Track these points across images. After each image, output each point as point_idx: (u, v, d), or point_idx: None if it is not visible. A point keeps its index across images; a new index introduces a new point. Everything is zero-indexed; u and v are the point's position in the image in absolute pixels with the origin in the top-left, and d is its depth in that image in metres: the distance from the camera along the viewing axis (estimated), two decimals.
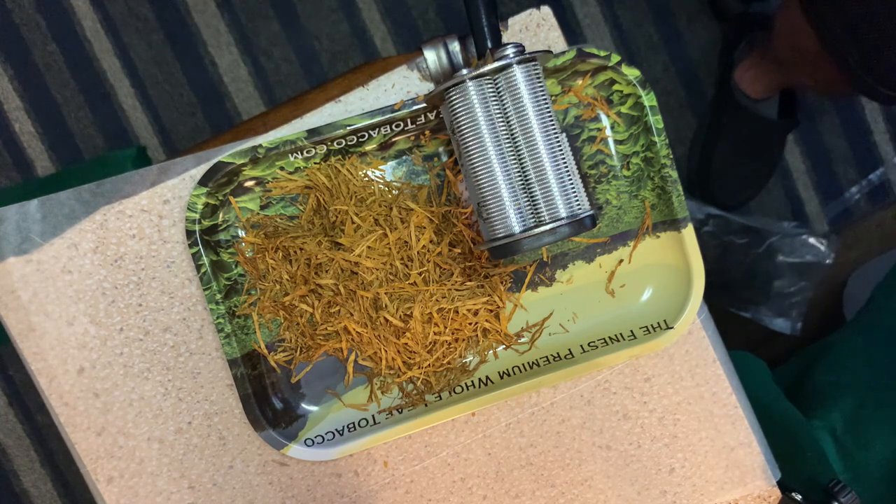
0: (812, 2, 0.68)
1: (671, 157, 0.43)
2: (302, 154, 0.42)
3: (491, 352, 0.46)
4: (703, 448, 0.47)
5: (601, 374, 0.46)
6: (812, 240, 1.05)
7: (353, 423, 0.44)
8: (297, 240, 0.43)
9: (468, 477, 0.47)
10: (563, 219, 0.36)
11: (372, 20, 1.08)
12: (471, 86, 0.36)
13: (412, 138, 0.44)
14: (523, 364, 0.45)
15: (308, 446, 0.43)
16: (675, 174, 0.43)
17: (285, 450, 0.43)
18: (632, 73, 0.42)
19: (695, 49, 1.10)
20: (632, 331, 0.45)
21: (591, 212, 0.37)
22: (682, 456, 0.47)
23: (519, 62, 0.36)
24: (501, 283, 0.45)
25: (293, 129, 0.43)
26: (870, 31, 0.62)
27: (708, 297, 0.45)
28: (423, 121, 0.42)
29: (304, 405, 0.45)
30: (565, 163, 0.37)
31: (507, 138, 0.37)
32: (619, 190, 0.45)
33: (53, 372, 0.43)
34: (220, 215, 0.43)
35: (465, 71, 0.36)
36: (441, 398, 0.45)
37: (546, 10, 0.44)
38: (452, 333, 0.44)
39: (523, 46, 0.37)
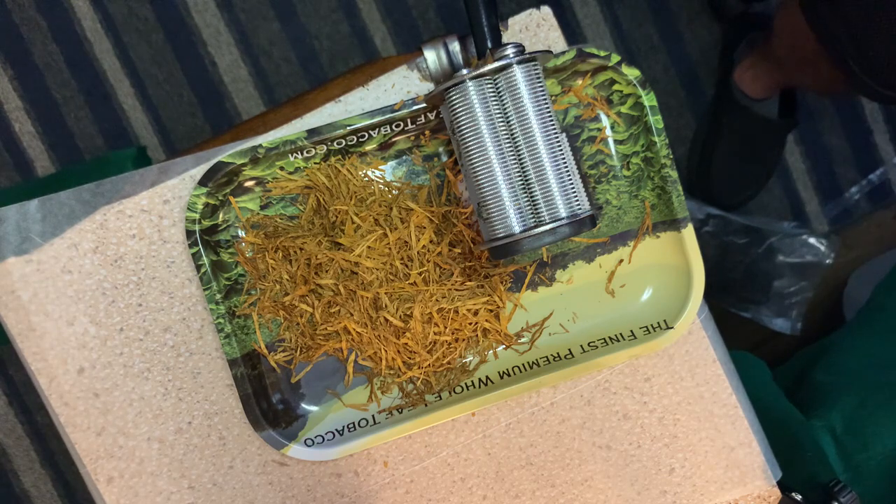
0: (811, 2, 0.68)
1: (671, 157, 0.43)
2: (302, 154, 0.42)
3: (491, 352, 0.46)
4: (703, 448, 0.47)
5: (601, 374, 0.46)
6: (812, 240, 1.05)
7: (353, 423, 0.44)
8: (297, 240, 0.43)
9: (468, 477, 0.47)
10: (563, 219, 0.36)
11: (372, 20, 1.08)
12: (471, 86, 0.36)
13: (412, 138, 0.44)
14: (523, 364, 0.45)
15: (308, 446, 0.43)
16: (675, 174, 0.43)
17: (285, 450, 0.43)
18: (632, 73, 0.42)
19: (695, 49, 1.10)
20: (632, 331, 0.45)
21: (591, 212, 0.37)
22: (682, 456, 0.47)
23: (519, 62, 0.36)
24: (501, 283, 0.45)
25: (293, 129, 0.43)
26: (868, 32, 0.62)
27: (708, 297, 0.45)
28: (423, 121, 0.42)
29: (304, 405, 0.45)
30: (565, 163, 0.37)
31: (507, 138, 0.37)
32: (619, 190, 0.45)
33: (53, 372, 0.43)
34: (220, 215, 0.43)
35: (465, 71, 0.36)
36: (441, 398, 0.45)
37: (546, 10, 0.44)
38: (452, 333, 0.44)
39: (523, 46, 0.37)
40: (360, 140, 0.43)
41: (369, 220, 0.43)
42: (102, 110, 1.07)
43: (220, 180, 0.42)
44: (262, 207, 0.44)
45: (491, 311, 0.45)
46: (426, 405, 0.44)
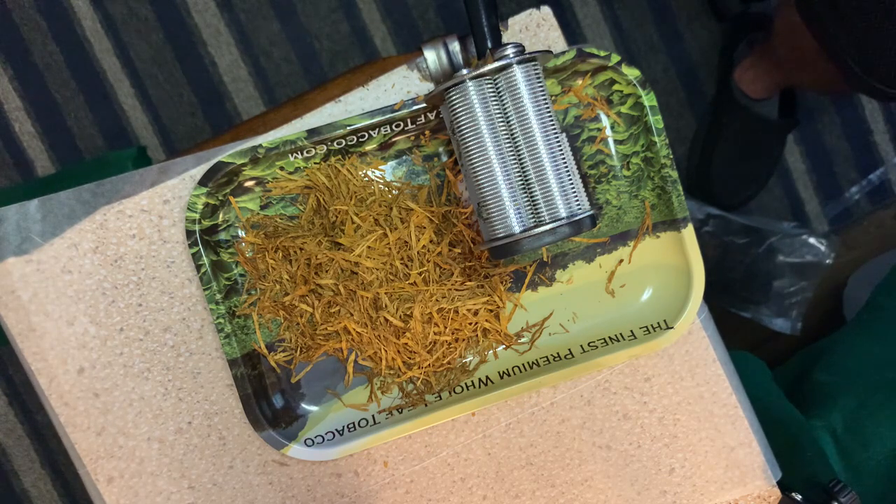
0: (807, 2, 0.68)
1: (671, 157, 0.43)
2: (302, 154, 0.42)
3: (491, 352, 0.46)
4: (703, 448, 0.47)
5: (601, 374, 0.46)
6: (812, 240, 1.05)
7: (353, 423, 0.44)
8: (297, 240, 0.43)
9: (468, 477, 0.47)
10: (563, 219, 0.36)
11: (372, 20, 1.08)
12: (471, 86, 0.36)
13: (412, 138, 0.44)
14: (523, 364, 0.45)
15: (308, 446, 0.43)
16: (675, 174, 0.43)
17: (285, 450, 0.43)
18: (632, 72, 0.42)
19: (695, 49, 1.10)
20: (632, 331, 0.45)
21: (591, 212, 0.37)
22: (682, 456, 0.47)
23: (519, 62, 0.36)
24: (501, 283, 0.45)
25: (293, 129, 0.43)
26: (866, 30, 0.62)
27: (708, 297, 0.45)
28: (423, 121, 0.42)
29: (304, 405, 0.45)
30: (565, 163, 0.37)
31: (507, 138, 0.37)
32: (619, 190, 0.45)
33: (53, 372, 0.43)
34: (220, 215, 0.43)
35: (465, 71, 0.36)
36: (441, 398, 0.45)
37: (546, 10, 0.44)
38: (452, 333, 0.44)
39: (523, 46, 0.37)
40: (360, 140, 0.43)
41: (369, 220, 0.43)
42: (102, 110, 1.07)
43: (220, 180, 0.42)
44: (262, 207, 0.44)
45: (491, 311, 0.45)
46: (426, 405, 0.44)
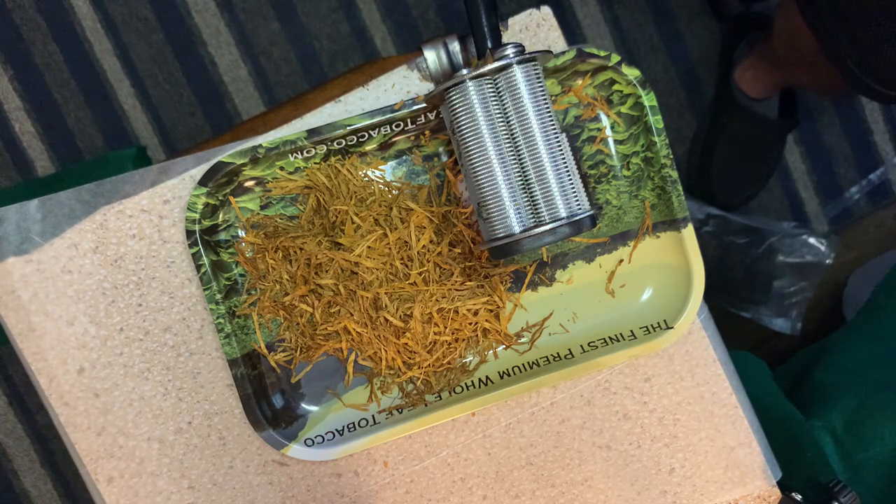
0: (809, 2, 0.68)
1: (671, 157, 0.43)
2: (302, 154, 0.42)
3: (491, 352, 0.46)
4: (703, 448, 0.47)
5: (601, 374, 0.46)
6: (812, 240, 1.05)
7: (353, 423, 0.44)
8: (297, 240, 0.43)
9: (468, 477, 0.47)
10: (563, 219, 0.36)
11: (372, 20, 1.08)
12: (471, 86, 0.36)
13: (412, 138, 0.44)
14: (523, 364, 0.45)
15: (308, 446, 0.43)
16: (675, 174, 0.43)
17: (285, 450, 0.43)
18: (632, 72, 0.42)
19: (695, 49, 1.10)
20: (632, 331, 0.45)
21: (591, 212, 0.37)
22: (682, 456, 0.47)
23: (519, 62, 0.36)
24: (501, 283, 0.45)
25: (293, 129, 0.43)
26: (867, 31, 0.62)
27: (708, 297, 0.45)
28: (423, 121, 0.42)
29: (304, 405, 0.45)
30: (565, 163, 0.37)
31: (507, 138, 0.37)
32: (619, 190, 0.45)
33: (53, 372, 0.43)
34: (220, 215, 0.43)
35: (465, 71, 0.36)
36: (441, 398, 0.45)
37: (546, 10, 0.44)
38: (452, 333, 0.44)
39: (523, 46, 0.37)
40: (360, 140, 0.43)
41: (369, 220, 0.43)
42: (102, 110, 1.07)
43: (220, 180, 0.42)
44: (262, 207, 0.44)
45: (491, 311, 0.45)
46: (426, 405, 0.44)
